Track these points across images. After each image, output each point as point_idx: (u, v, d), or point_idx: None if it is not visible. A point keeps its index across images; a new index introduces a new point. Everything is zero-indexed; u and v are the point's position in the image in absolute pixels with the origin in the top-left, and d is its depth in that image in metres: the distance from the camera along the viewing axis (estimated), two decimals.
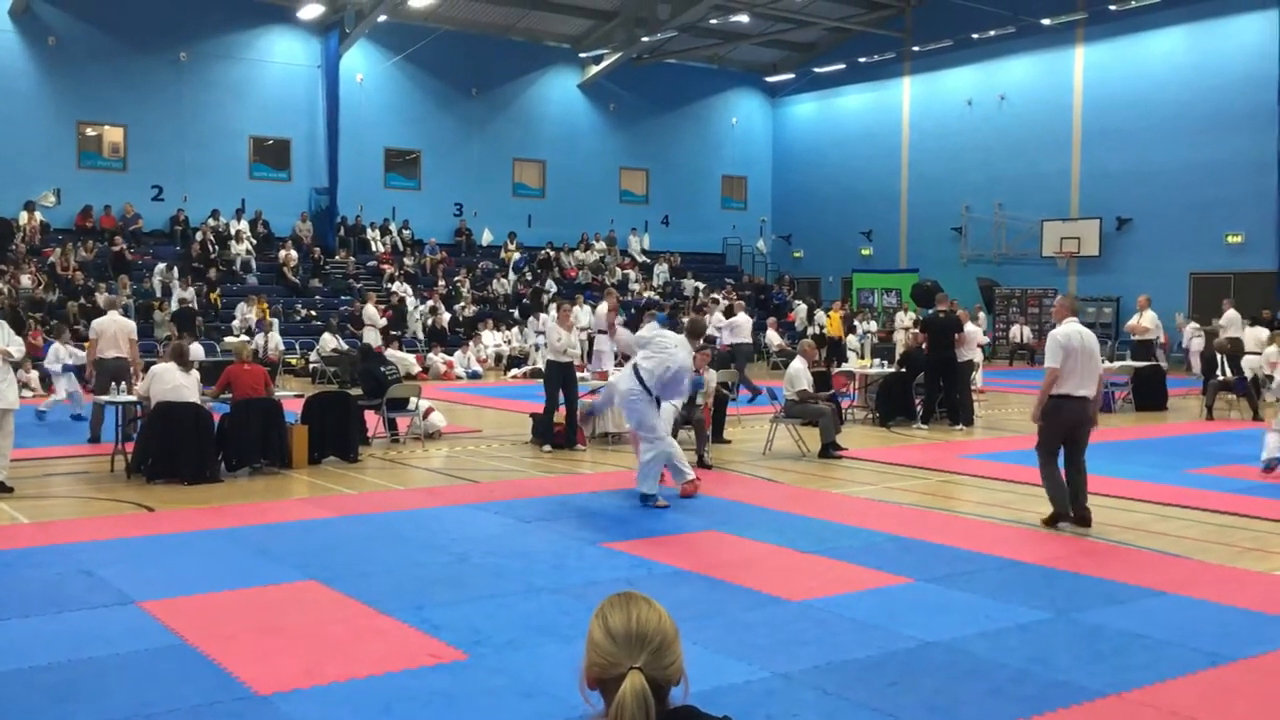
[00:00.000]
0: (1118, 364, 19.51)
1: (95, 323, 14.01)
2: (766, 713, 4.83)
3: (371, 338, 23.77)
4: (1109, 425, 15.93)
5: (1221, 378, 17.04)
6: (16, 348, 10.05)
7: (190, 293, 25.06)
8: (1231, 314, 21.07)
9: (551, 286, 30.43)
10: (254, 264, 28.05)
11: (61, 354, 16.43)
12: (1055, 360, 8.72)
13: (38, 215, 26.11)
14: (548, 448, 12.92)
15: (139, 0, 27.73)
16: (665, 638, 2.14)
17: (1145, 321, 20.49)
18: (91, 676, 5.21)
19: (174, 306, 24.45)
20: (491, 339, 26.73)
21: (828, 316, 29.05)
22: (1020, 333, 30.34)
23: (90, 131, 27.84)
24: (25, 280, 23.34)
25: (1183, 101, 27.98)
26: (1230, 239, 27.35)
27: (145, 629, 5.94)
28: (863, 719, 4.79)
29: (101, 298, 16.90)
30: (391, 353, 18.37)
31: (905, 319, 26.79)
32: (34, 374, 19.46)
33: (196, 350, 19.49)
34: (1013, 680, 5.24)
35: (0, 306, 15.76)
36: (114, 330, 13.47)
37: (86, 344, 14.61)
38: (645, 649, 2.12)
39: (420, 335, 26.75)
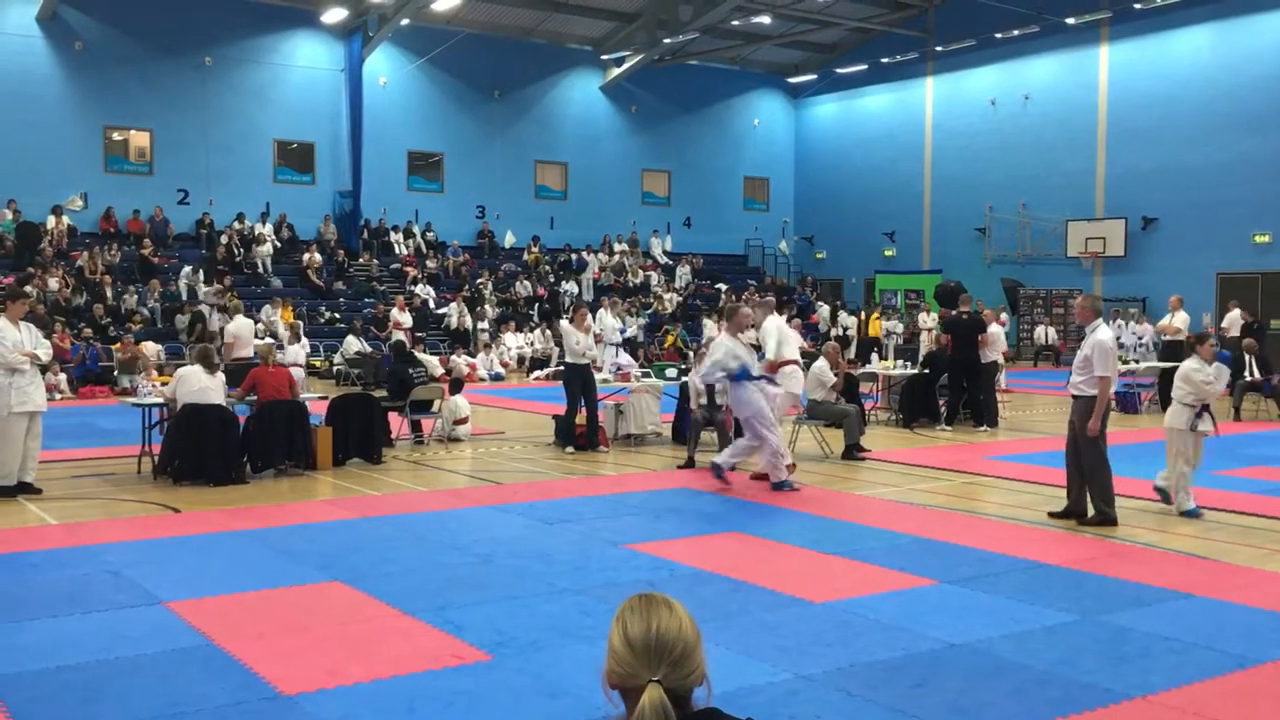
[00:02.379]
0: (1144, 365, 19.37)
1: (230, 326, 15.02)
2: (790, 714, 4.81)
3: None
4: (1135, 426, 15.82)
5: (1249, 378, 16.89)
6: (44, 351, 10.16)
7: (212, 290, 25.22)
8: (1234, 315, 21.06)
9: (571, 289, 30.50)
10: (269, 264, 28.16)
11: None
12: (1111, 368, 8.67)
13: (65, 219, 26.35)
14: (570, 449, 12.94)
15: (164, 5, 27.95)
16: (686, 646, 2.11)
17: (1177, 322, 20.36)
18: (118, 676, 5.25)
19: (201, 308, 24.62)
20: (514, 341, 26.81)
21: (868, 319, 28.82)
22: (1045, 333, 30.16)
23: (117, 136, 28.08)
24: (53, 283, 23.56)
25: (1209, 100, 27.75)
26: (1258, 238, 27.10)
27: (171, 629, 5.99)
28: None
29: (232, 302, 17.79)
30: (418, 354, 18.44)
31: (928, 320, 26.68)
32: (62, 376, 19.67)
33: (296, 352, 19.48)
34: (1038, 682, 5.21)
35: (30, 309, 15.98)
36: (249, 332, 14.63)
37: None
38: (664, 661, 2.08)
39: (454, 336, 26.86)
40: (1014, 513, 9.39)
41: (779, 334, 11.19)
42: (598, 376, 13.74)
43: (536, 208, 33.76)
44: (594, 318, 18.72)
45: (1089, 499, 8.85)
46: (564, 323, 13.79)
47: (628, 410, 13.89)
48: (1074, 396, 8.85)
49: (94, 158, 27.54)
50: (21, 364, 9.72)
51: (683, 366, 15.31)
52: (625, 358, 17.05)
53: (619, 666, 2.11)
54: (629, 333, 26.41)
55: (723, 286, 32.78)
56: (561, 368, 14.95)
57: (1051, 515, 9.03)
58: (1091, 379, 8.66)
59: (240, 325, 14.85)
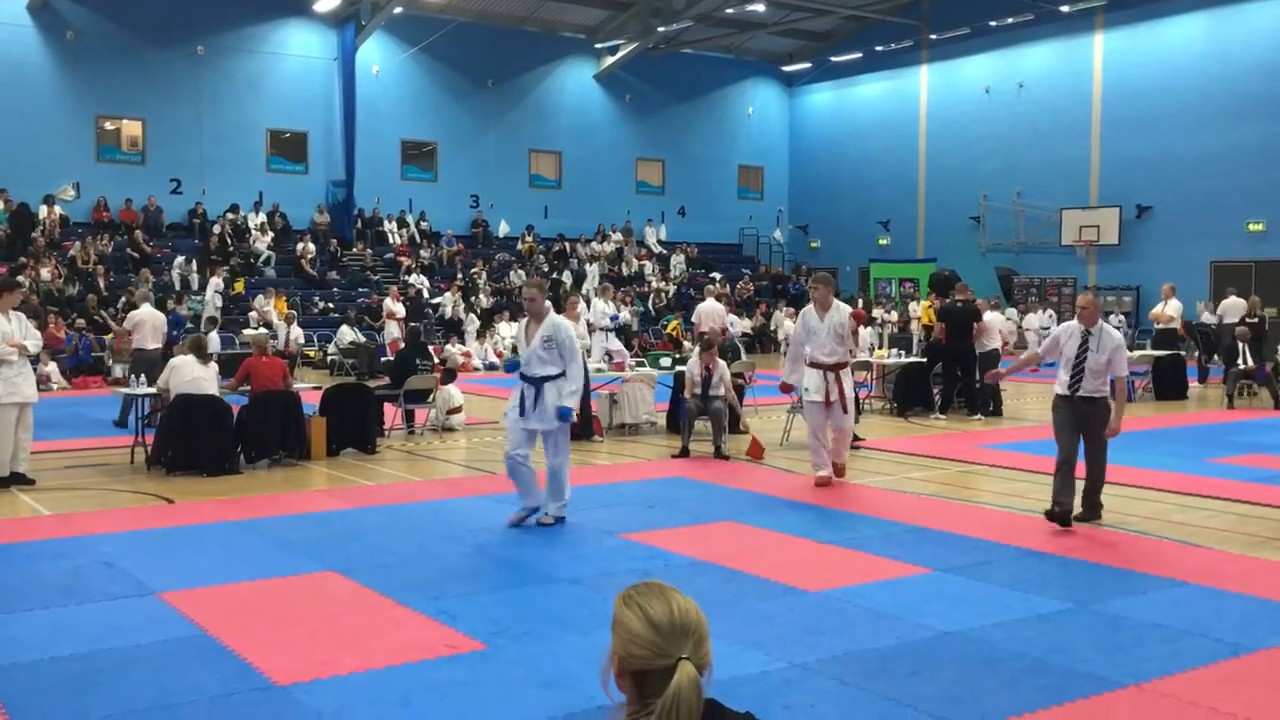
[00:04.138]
0: (1137, 353, 19.40)
1: (134, 314, 14.67)
2: (784, 703, 4.82)
3: (393, 330, 23.89)
4: (1129, 414, 15.82)
5: (1242, 366, 16.91)
6: (33, 342, 10.10)
7: (218, 282, 25.15)
8: (1230, 301, 21.12)
9: (568, 278, 30.48)
10: (273, 257, 28.14)
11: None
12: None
13: (57, 209, 26.26)
14: None
15: None
16: (704, 628, 2.14)
17: (1170, 310, 20.40)
18: (112, 667, 5.25)
19: (209, 295, 24.55)
20: (508, 330, 26.76)
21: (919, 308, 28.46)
22: (1038, 322, 30.14)
23: (109, 125, 27.96)
24: (45, 273, 23.49)
25: (1203, 88, 27.74)
26: (1251, 227, 27.13)
27: (165, 619, 5.98)
28: (880, 709, 4.78)
29: (137, 292, 17.51)
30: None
31: (917, 309, 26.65)
32: (54, 366, 19.64)
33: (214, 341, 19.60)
34: (1031, 670, 5.22)
35: (23, 300, 16.01)
36: (153, 322, 14.24)
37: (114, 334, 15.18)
38: (690, 639, 2.10)
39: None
40: (1008, 501, 9.40)
41: (809, 326, 10.10)
42: (590, 365, 13.69)
43: (531, 197, 33.69)
44: (588, 305, 18.63)
45: (1084, 497, 8.39)
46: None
47: (622, 400, 13.89)
48: (1085, 399, 8.24)
49: (86, 147, 27.43)
50: (9, 355, 9.69)
51: (677, 356, 15.30)
52: (616, 344, 16.97)
53: (642, 649, 2.09)
54: (621, 319, 26.38)
55: (717, 275, 32.76)
56: None
57: (1084, 518, 8.38)
58: (1109, 380, 8.29)
59: (144, 314, 14.44)
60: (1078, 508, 8.35)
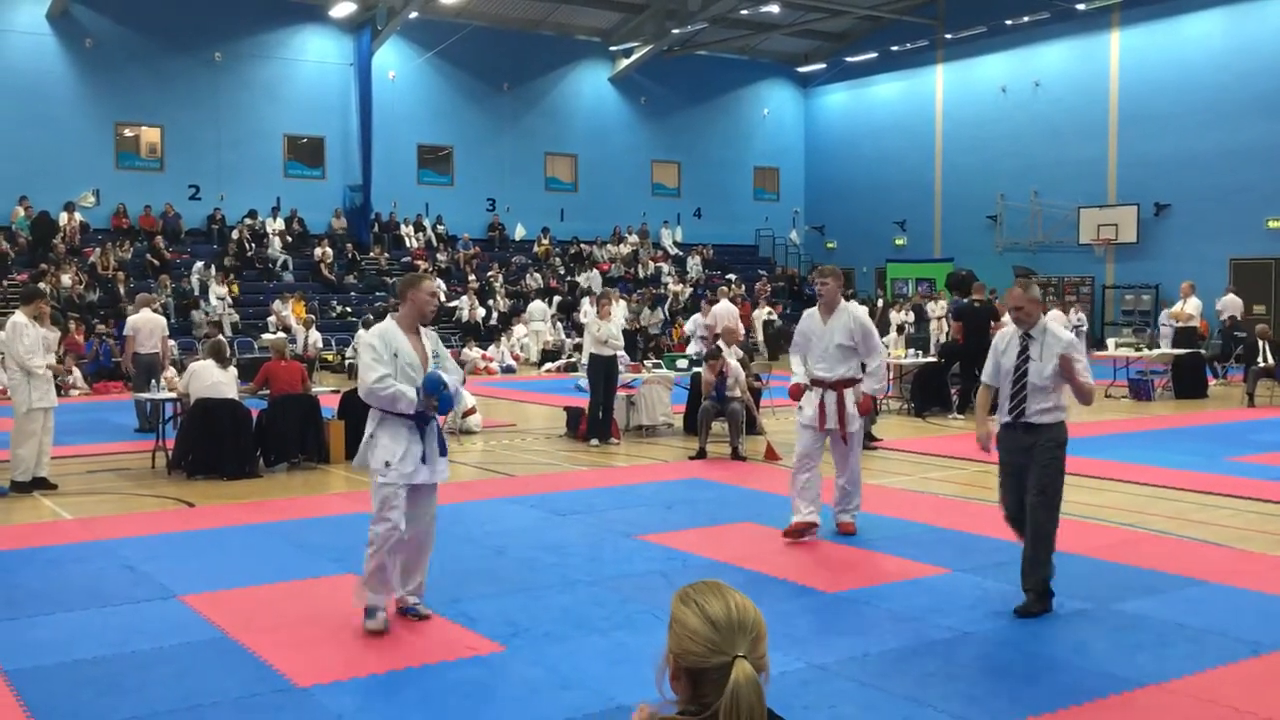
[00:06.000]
0: (1156, 351, 19.31)
1: (131, 319, 14.67)
2: (803, 704, 4.82)
3: None
4: (1149, 413, 15.76)
5: (1262, 364, 16.80)
6: (37, 356, 9.89)
7: (224, 290, 25.32)
8: (1229, 298, 21.12)
9: (585, 280, 30.49)
10: (291, 262, 28.28)
11: None
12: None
13: (77, 215, 26.46)
14: (595, 441, 12.85)
15: (174, 1, 27.98)
16: (761, 627, 2.14)
17: (1189, 308, 20.32)
18: (134, 669, 5.29)
19: (212, 303, 24.75)
20: (524, 332, 26.84)
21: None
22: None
23: (128, 132, 28.14)
24: (66, 279, 23.67)
25: (1221, 85, 27.56)
26: (1271, 224, 26.93)
27: (187, 622, 6.02)
28: (899, 709, 4.78)
29: (138, 297, 17.55)
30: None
31: (935, 309, 26.54)
32: (77, 372, 19.78)
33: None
34: (1051, 670, 5.21)
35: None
36: (149, 326, 14.18)
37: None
38: (747, 636, 2.10)
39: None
40: None
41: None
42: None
43: (547, 200, 33.75)
44: (584, 311, 18.59)
45: (1023, 574, 6.16)
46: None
47: (639, 401, 13.90)
48: (1029, 427, 6.08)
49: (105, 154, 27.62)
50: (38, 369, 9.88)
51: (693, 357, 15.32)
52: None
53: (699, 645, 2.08)
54: (622, 323, 26.36)
55: (732, 277, 32.75)
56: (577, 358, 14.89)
57: (1021, 612, 6.04)
58: (1061, 400, 6.14)
59: (143, 319, 14.45)
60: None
